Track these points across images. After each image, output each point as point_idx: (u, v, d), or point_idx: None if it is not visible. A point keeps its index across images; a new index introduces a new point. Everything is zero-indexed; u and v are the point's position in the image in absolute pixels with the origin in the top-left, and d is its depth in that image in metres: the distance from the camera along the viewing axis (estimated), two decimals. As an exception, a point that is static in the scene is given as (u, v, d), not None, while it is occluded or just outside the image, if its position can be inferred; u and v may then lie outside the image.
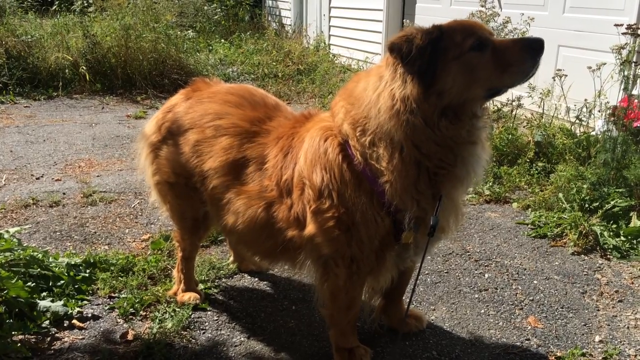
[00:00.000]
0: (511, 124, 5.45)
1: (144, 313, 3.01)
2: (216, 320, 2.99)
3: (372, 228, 2.25)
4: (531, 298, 3.25)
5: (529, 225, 4.17)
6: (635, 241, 3.80)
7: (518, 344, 2.83)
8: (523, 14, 5.63)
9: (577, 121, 5.13)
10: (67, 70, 8.26)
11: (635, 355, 2.76)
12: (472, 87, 2.06)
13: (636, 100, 4.46)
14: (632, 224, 3.88)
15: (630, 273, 3.53)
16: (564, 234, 3.96)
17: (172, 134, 2.77)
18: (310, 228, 2.33)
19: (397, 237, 2.28)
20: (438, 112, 2.05)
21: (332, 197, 2.25)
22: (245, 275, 3.44)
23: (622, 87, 4.38)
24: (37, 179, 4.98)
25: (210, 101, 2.74)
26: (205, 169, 2.62)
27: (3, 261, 2.97)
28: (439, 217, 2.21)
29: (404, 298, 2.93)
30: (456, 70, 2.03)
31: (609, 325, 3.00)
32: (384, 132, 2.11)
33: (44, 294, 3.04)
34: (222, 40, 12.37)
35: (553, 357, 2.74)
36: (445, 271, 3.54)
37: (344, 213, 2.25)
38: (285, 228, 2.43)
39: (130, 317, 2.98)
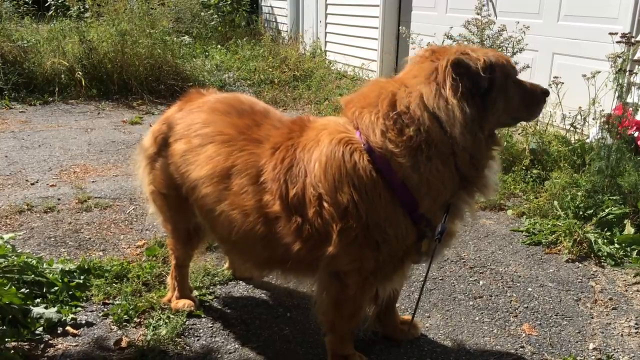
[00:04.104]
0: (506, 132, 5.46)
1: (138, 320, 3.00)
2: (210, 327, 2.98)
3: (401, 240, 2.26)
4: (525, 305, 3.26)
5: (524, 233, 4.18)
6: (629, 248, 3.81)
7: (512, 351, 2.84)
8: (518, 22, 5.66)
9: (572, 129, 5.15)
10: (63, 76, 8.23)
11: (629, 363, 2.77)
12: (506, 115, 2.30)
13: (630, 108, 4.48)
14: (626, 232, 3.90)
15: (624, 280, 3.54)
16: (559, 241, 3.97)
17: (165, 145, 2.76)
18: (334, 247, 2.27)
19: (416, 245, 2.33)
20: (490, 130, 2.26)
21: (360, 215, 2.20)
22: (240, 282, 3.43)
23: (617, 95, 4.41)
24: (32, 184, 4.97)
25: (199, 110, 2.72)
26: (193, 178, 2.58)
27: (-3, 267, 2.97)
28: (448, 223, 2.30)
29: (399, 306, 2.93)
30: (501, 99, 2.23)
31: (603, 332, 3.01)
32: (454, 145, 2.15)
33: (38, 300, 3.02)
34: (219, 46, 12.38)
35: (547, 365, 2.75)
36: (440, 278, 3.54)
37: (375, 230, 2.22)
38: (292, 242, 2.35)
39: (124, 323, 2.97)
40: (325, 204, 2.24)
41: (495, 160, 2.36)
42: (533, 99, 2.39)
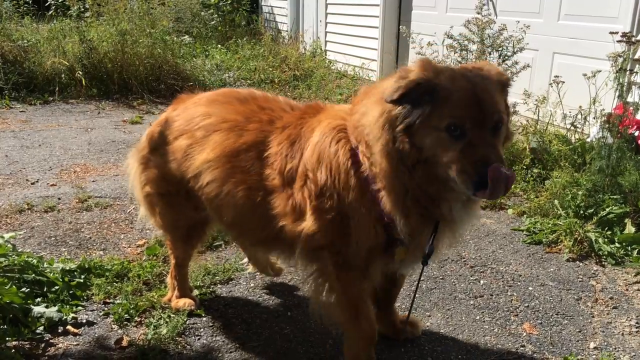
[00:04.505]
0: (507, 131, 5.46)
1: (139, 319, 3.00)
2: (211, 326, 2.98)
3: (364, 236, 2.25)
4: (526, 304, 3.25)
5: (524, 232, 4.18)
6: (629, 248, 3.81)
7: (513, 350, 2.84)
8: (519, 22, 5.65)
9: (572, 128, 5.15)
10: (63, 75, 8.23)
11: (630, 362, 2.77)
12: (440, 163, 1.99)
13: (631, 108, 4.48)
14: (626, 231, 3.90)
15: (625, 280, 3.54)
16: (559, 240, 3.97)
17: (162, 144, 2.76)
18: (308, 223, 2.32)
19: (387, 250, 2.29)
20: (413, 161, 2.02)
21: (333, 198, 2.25)
22: (241, 281, 3.43)
23: (617, 94, 4.41)
24: (32, 184, 4.97)
25: (197, 105, 2.74)
26: (197, 165, 2.57)
27: (-3, 267, 2.97)
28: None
29: (400, 305, 2.93)
30: (432, 139, 1.97)
31: (603, 331, 3.01)
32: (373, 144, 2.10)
33: (39, 299, 3.02)
34: (219, 45, 12.37)
35: (548, 364, 2.75)
36: (441, 277, 3.54)
37: (343, 216, 2.25)
38: (281, 216, 2.41)
39: (125, 323, 2.97)
40: (308, 181, 2.30)
41: (455, 202, 2.11)
42: (462, 167, 1.92)
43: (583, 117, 5.03)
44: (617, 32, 4.50)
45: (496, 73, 2.12)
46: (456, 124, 1.93)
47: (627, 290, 3.43)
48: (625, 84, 4.38)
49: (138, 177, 2.90)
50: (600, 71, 4.72)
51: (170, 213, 2.90)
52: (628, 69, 4.46)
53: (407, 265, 2.45)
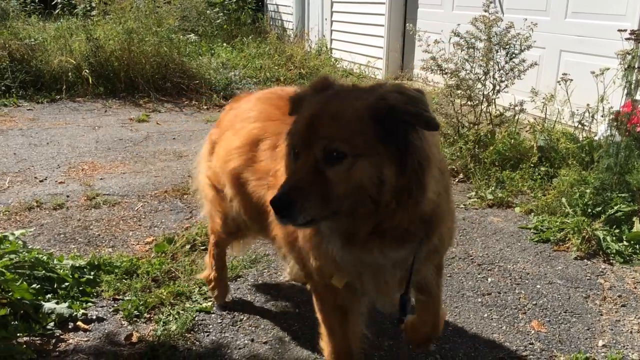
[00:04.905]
0: (514, 129, 5.46)
1: (148, 315, 3.02)
2: (220, 323, 2.99)
3: (307, 259, 2.16)
4: (534, 302, 3.25)
5: (532, 230, 4.18)
6: (638, 246, 3.80)
7: (521, 348, 2.84)
8: (526, 19, 5.64)
9: (580, 126, 5.14)
10: (70, 74, 8.27)
11: (639, 360, 2.77)
12: None
13: (639, 105, 4.47)
14: (634, 229, 3.89)
15: (633, 278, 3.54)
16: (567, 238, 3.96)
17: (216, 140, 2.83)
18: (276, 231, 2.33)
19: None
20: None
21: None
22: (249, 278, 3.45)
23: (625, 92, 4.40)
24: (41, 181, 4.99)
25: (246, 102, 2.80)
26: (229, 149, 2.59)
27: (8, 263, 2.98)
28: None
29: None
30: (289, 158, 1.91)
31: (612, 329, 3.01)
32: None
33: (49, 296, 3.05)
34: (224, 44, 12.38)
35: (557, 361, 2.75)
36: (449, 275, 3.54)
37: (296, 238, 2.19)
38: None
39: (135, 319, 2.99)
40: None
41: (329, 237, 1.91)
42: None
43: (591, 115, 5.02)
44: (625, 30, 4.49)
45: (375, 98, 1.73)
46: (292, 143, 1.81)
47: (635, 288, 3.43)
48: (634, 81, 4.36)
49: (203, 172, 2.96)
50: (608, 69, 4.70)
51: (222, 206, 2.85)
52: (636, 66, 4.45)
53: (369, 302, 2.36)
